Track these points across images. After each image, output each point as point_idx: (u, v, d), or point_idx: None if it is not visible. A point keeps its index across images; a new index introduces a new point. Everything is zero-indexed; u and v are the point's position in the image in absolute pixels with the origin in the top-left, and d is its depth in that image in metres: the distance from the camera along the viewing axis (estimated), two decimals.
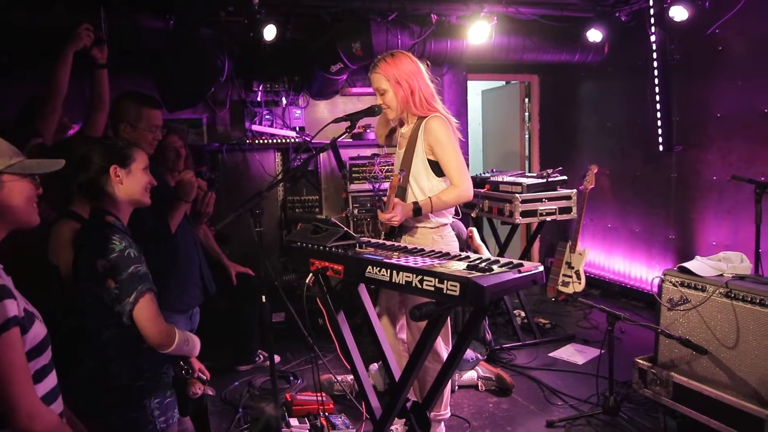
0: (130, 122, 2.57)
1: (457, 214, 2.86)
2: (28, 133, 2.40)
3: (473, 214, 4.63)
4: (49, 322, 1.52)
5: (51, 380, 1.50)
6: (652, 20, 4.54)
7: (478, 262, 1.83)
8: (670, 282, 3.01)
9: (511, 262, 1.84)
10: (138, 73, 4.35)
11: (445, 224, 2.75)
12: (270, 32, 4.21)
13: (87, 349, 1.93)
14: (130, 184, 1.96)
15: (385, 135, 3.00)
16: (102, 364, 1.90)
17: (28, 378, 1.39)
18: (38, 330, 1.45)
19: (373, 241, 2.31)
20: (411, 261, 1.89)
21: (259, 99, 5.14)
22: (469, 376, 3.62)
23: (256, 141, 5.13)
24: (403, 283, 1.80)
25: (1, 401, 1.34)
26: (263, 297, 2.31)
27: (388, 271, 1.85)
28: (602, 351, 3.26)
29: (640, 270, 5.23)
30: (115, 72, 2.79)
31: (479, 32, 4.55)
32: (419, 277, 1.76)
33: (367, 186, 4.95)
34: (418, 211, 2.60)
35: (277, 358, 3.75)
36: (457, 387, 3.56)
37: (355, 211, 4.95)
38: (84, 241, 1.93)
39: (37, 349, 1.44)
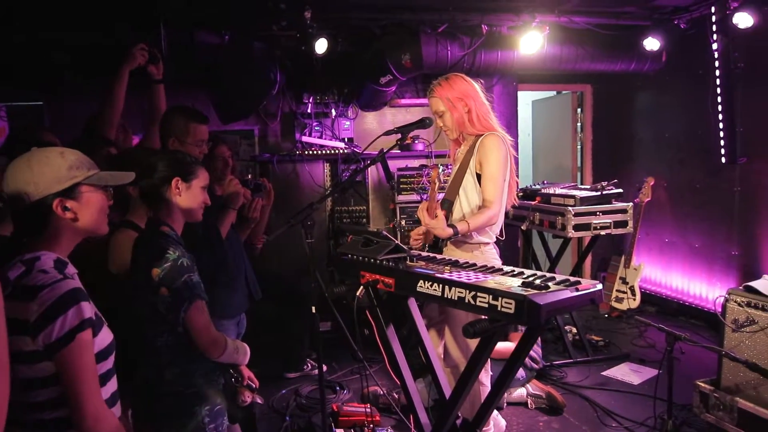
0: (178, 137, 2.61)
1: (501, 235, 2.80)
2: (97, 145, 2.50)
3: (523, 227, 4.54)
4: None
5: (112, 385, 1.54)
6: (714, 27, 4.36)
7: (533, 278, 1.77)
8: (735, 302, 2.86)
9: (568, 280, 1.78)
10: (194, 87, 4.48)
11: (487, 243, 2.72)
12: (321, 45, 4.26)
13: (142, 355, 1.98)
14: (188, 198, 2.00)
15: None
16: (156, 371, 1.94)
17: (97, 380, 1.42)
18: (105, 335, 1.50)
19: (424, 254, 2.29)
20: (464, 276, 1.85)
21: (309, 111, 5.20)
22: (519, 393, 3.52)
23: (306, 152, 5.20)
24: (456, 298, 1.77)
25: (70, 401, 1.38)
26: (313, 308, 2.32)
27: (440, 286, 1.82)
28: (660, 371, 3.12)
29: (699, 287, 5.00)
30: (173, 85, 2.88)
31: (531, 42, 4.47)
32: (472, 293, 1.72)
33: (415, 197, 4.93)
34: (455, 234, 2.55)
35: (323, 368, 3.76)
36: (505, 404, 3.47)
37: (403, 222, 4.93)
38: (140, 249, 1.98)
39: (103, 354, 1.48)
